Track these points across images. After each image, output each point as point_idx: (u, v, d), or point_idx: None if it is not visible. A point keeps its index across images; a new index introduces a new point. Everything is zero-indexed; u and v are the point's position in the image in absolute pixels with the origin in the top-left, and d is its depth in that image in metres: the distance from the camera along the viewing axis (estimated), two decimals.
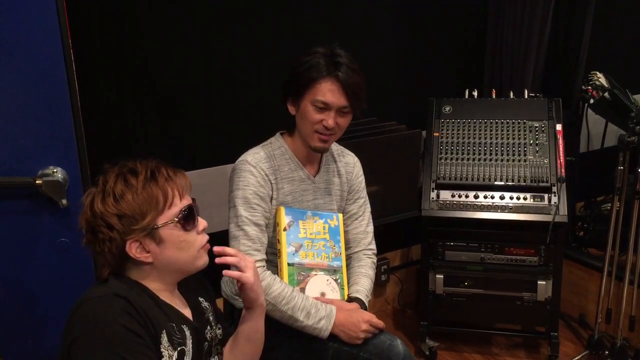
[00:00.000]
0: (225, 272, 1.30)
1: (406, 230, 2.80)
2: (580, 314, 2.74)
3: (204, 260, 1.25)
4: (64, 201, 1.52)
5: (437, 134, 2.44)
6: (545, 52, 2.66)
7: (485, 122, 2.44)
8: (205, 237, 1.25)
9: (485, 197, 2.32)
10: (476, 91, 2.54)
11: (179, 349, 1.18)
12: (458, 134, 2.43)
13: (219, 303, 1.63)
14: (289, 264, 1.67)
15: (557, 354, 2.42)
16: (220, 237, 1.59)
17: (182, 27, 2.08)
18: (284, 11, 2.28)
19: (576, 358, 2.45)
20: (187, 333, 1.22)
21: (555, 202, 2.26)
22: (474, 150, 2.39)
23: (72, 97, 1.51)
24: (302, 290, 1.67)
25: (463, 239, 2.38)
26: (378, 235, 1.93)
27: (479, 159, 2.37)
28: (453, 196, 2.34)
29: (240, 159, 1.71)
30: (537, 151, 2.35)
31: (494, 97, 2.53)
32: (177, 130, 2.16)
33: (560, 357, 2.44)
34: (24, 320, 1.60)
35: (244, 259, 1.31)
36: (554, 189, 2.27)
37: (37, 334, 1.62)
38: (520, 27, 2.61)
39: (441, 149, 2.41)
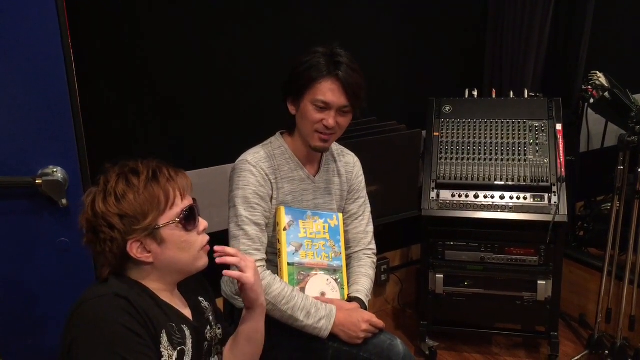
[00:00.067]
0: (225, 272, 1.30)
1: (406, 230, 2.80)
2: (580, 313, 2.74)
3: (204, 261, 1.25)
4: (64, 201, 1.52)
5: (437, 134, 2.44)
6: (545, 52, 2.66)
7: (486, 122, 2.44)
8: (206, 238, 1.25)
9: (485, 196, 2.32)
10: (476, 91, 2.54)
11: (178, 348, 1.18)
12: (458, 133, 2.43)
13: (219, 303, 1.63)
14: (289, 264, 1.67)
15: (557, 353, 2.42)
16: (220, 237, 1.59)
17: (182, 27, 2.08)
18: (284, 11, 2.28)
19: (576, 358, 2.45)
20: (187, 333, 1.22)
21: (555, 202, 2.26)
22: (474, 150, 2.39)
23: (72, 97, 1.51)
24: (302, 289, 1.67)
25: (463, 239, 2.38)
26: (378, 235, 1.93)
27: (479, 159, 2.37)
28: (453, 196, 2.34)
29: (240, 158, 1.71)
30: (537, 151, 2.35)
31: (494, 96, 2.53)
32: (177, 130, 2.16)
33: (560, 357, 2.44)
34: (24, 320, 1.60)
35: (245, 259, 1.31)
36: (554, 188, 2.27)
37: (37, 334, 1.62)
38: (520, 27, 2.61)
39: (441, 149, 2.41)
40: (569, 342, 2.63)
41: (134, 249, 1.15)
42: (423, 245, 2.49)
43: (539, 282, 2.33)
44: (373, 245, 1.88)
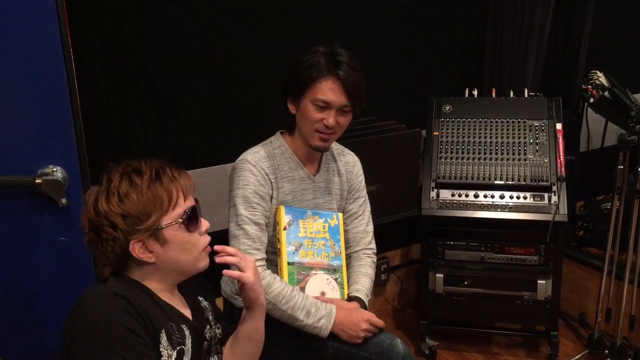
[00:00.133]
0: (225, 271, 1.30)
1: (406, 229, 2.80)
2: (580, 313, 2.74)
3: (205, 262, 1.25)
4: (64, 200, 1.52)
5: (437, 133, 2.44)
6: (545, 51, 2.66)
7: (485, 122, 2.44)
8: (208, 239, 1.25)
9: (485, 196, 2.32)
10: (476, 90, 2.54)
11: (178, 348, 1.18)
12: (458, 133, 2.43)
13: (219, 302, 1.63)
14: (289, 263, 1.67)
15: (557, 353, 2.42)
16: (220, 237, 1.59)
17: (182, 27, 2.08)
18: (284, 11, 2.28)
19: (576, 357, 2.45)
20: (187, 333, 1.22)
21: (555, 201, 2.26)
22: (474, 149, 2.39)
23: (71, 97, 1.51)
24: (302, 289, 1.67)
25: (463, 238, 2.38)
26: (378, 234, 1.93)
27: (479, 158, 2.37)
28: (453, 195, 2.34)
29: (240, 158, 1.71)
30: (537, 150, 2.35)
31: (494, 96, 2.53)
32: (176, 130, 2.16)
33: (560, 357, 2.44)
34: (23, 320, 1.61)
35: (244, 258, 1.31)
36: (554, 188, 2.27)
37: (37, 333, 1.62)
38: (520, 26, 2.61)
39: (441, 148, 2.41)
40: (569, 341, 2.63)
41: (136, 249, 1.15)
42: (423, 245, 2.49)
43: (538, 281, 2.33)
44: (373, 245, 1.88)
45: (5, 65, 1.43)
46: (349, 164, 1.87)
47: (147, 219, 1.14)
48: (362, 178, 1.89)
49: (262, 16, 2.23)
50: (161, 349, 1.14)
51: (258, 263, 1.61)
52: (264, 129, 1.80)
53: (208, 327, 1.32)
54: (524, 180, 2.30)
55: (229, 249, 1.31)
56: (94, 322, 1.08)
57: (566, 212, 2.25)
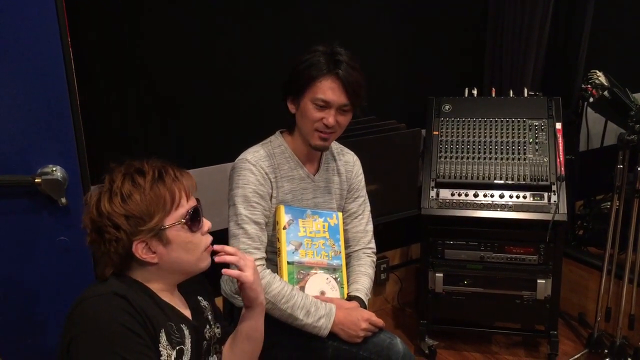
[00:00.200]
0: (224, 270, 1.30)
1: (406, 228, 2.80)
2: (579, 312, 2.74)
3: (207, 262, 1.25)
4: (64, 200, 1.52)
5: (437, 133, 2.44)
6: (545, 51, 2.66)
7: (485, 121, 2.44)
8: (209, 238, 1.25)
9: (484, 195, 2.33)
10: (476, 90, 2.54)
11: (177, 348, 1.18)
12: (458, 132, 2.43)
13: (219, 302, 1.63)
14: (288, 263, 1.67)
15: (557, 352, 2.42)
16: (220, 236, 1.59)
17: (182, 27, 2.08)
18: (284, 11, 2.28)
19: (575, 357, 2.45)
20: (186, 332, 1.22)
21: (554, 201, 2.26)
22: (473, 148, 2.39)
23: (71, 96, 1.51)
24: (302, 288, 1.67)
25: (463, 238, 2.38)
26: (377, 233, 1.93)
27: (479, 158, 2.37)
28: (453, 195, 2.34)
29: (239, 157, 1.71)
30: (536, 150, 2.35)
31: (493, 95, 2.53)
32: (176, 129, 2.16)
33: (560, 356, 2.44)
34: (23, 319, 1.60)
35: (244, 257, 1.31)
36: (554, 187, 2.27)
37: (36, 333, 1.62)
38: (520, 26, 2.61)
39: (441, 148, 2.41)
40: (569, 340, 2.63)
41: (139, 250, 1.15)
42: (423, 244, 2.49)
43: (538, 281, 2.33)
44: (373, 244, 1.88)
45: (5, 64, 1.43)
46: (348, 163, 1.87)
47: (150, 220, 1.14)
48: (361, 177, 1.89)
49: (262, 16, 2.23)
50: (160, 349, 1.14)
51: (258, 262, 1.61)
52: (263, 128, 1.80)
53: (208, 326, 1.32)
54: (524, 180, 2.30)
55: (228, 248, 1.31)
56: (93, 322, 1.08)
57: (566, 212, 2.25)
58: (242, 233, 1.63)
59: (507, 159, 2.35)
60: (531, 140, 2.37)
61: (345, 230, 1.83)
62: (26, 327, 1.61)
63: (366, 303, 1.73)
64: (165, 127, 2.14)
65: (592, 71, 2.53)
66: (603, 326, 2.42)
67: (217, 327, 1.37)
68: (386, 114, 2.55)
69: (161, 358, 1.14)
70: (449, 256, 2.39)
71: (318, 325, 1.60)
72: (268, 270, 1.63)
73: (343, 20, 2.44)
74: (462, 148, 2.40)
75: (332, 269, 1.73)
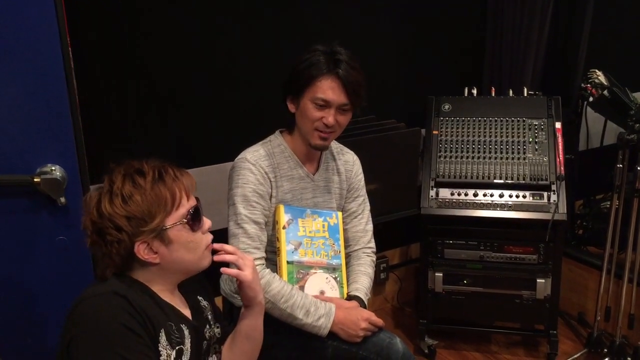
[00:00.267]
0: (223, 269, 1.30)
1: (405, 228, 2.80)
2: (579, 312, 2.74)
3: (208, 260, 1.25)
4: (63, 199, 1.51)
5: (437, 132, 2.44)
6: (544, 50, 2.66)
7: (485, 120, 2.44)
8: (210, 237, 1.25)
9: (484, 195, 2.32)
10: (475, 89, 2.54)
11: (177, 348, 1.18)
12: (457, 132, 2.43)
13: (218, 301, 1.62)
14: (288, 262, 1.67)
15: (556, 352, 2.42)
16: (219, 236, 1.58)
17: (182, 27, 2.08)
18: (284, 11, 2.28)
19: (575, 356, 2.45)
20: (186, 332, 1.22)
21: (554, 200, 2.26)
22: (473, 148, 2.39)
23: (70, 95, 1.50)
24: (302, 288, 1.67)
25: (462, 237, 2.38)
26: (377, 233, 1.93)
27: (479, 157, 2.37)
28: (452, 194, 2.34)
29: (239, 156, 1.71)
30: (536, 149, 2.35)
31: (493, 95, 2.53)
32: (176, 129, 2.16)
33: (559, 355, 2.44)
34: (22, 319, 1.60)
35: (243, 256, 1.31)
36: (553, 187, 2.27)
37: (36, 333, 1.62)
38: (520, 25, 2.61)
39: (440, 147, 2.41)
40: (568, 340, 2.64)
41: (141, 251, 1.15)
42: (422, 244, 2.49)
43: (538, 280, 2.33)
44: (372, 244, 1.87)
45: (5, 64, 1.43)
46: (348, 162, 1.87)
47: (152, 220, 1.14)
48: (361, 177, 1.89)
49: (262, 16, 2.23)
50: (160, 349, 1.14)
51: (257, 262, 1.61)
52: (263, 128, 1.80)
53: (207, 326, 1.32)
54: (524, 179, 2.30)
55: (227, 247, 1.31)
56: (93, 321, 1.08)
57: (565, 211, 2.25)
58: (241, 232, 1.63)
59: (507, 158, 2.35)
60: (531, 139, 2.37)
61: (344, 230, 1.83)
62: (25, 326, 1.61)
63: (366, 302, 1.73)
64: (165, 126, 2.14)
65: (591, 70, 2.54)
66: (602, 326, 2.42)
67: (217, 327, 1.37)
68: (386, 114, 2.55)
69: (161, 358, 1.13)
70: (448, 256, 2.39)
71: (318, 325, 1.59)
72: (268, 270, 1.63)
73: (343, 20, 2.44)
74: (462, 147, 2.40)
75: (331, 269, 1.73)
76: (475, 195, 2.33)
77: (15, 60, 1.43)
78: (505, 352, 2.58)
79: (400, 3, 2.58)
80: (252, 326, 1.36)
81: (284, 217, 1.68)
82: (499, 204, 2.30)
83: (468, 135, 2.42)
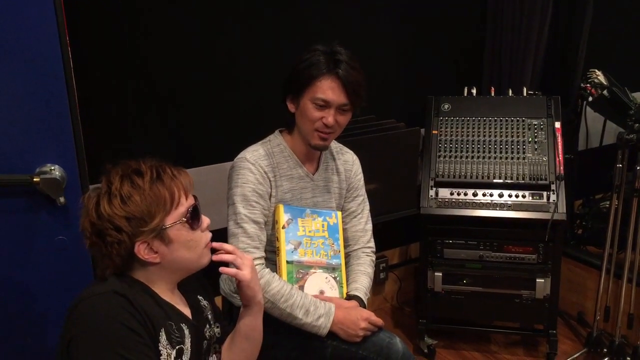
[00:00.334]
0: (222, 269, 1.30)
1: (405, 228, 2.80)
2: (578, 311, 2.74)
3: (208, 258, 1.25)
4: (62, 199, 1.51)
5: (436, 132, 2.44)
6: (544, 50, 2.66)
7: (484, 120, 2.44)
8: (209, 235, 1.26)
9: (484, 194, 2.33)
10: (475, 89, 2.54)
11: (177, 347, 1.18)
12: (457, 131, 2.43)
13: (218, 301, 1.62)
14: (287, 262, 1.67)
15: (556, 351, 2.42)
16: (219, 236, 1.58)
17: (182, 27, 2.08)
18: (284, 11, 2.28)
19: (575, 356, 2.45)
20: (186, 332, 1.22)
21: (554, 200, 2.26)
22: (472, 148, 2.39)
23: (70, 95, 1.50)
24: (301, 287, 1.67)
25: (462, 237, 2.38)
26: (377, 233, 1.93)
27: (478, 157, 2.37)
28: (452, 194, 2.34)
29: (239, 156, 1.71)
30: (535, 149, 2.35)
31: (492, 94, 2.54)
32: (176, 129, 2.16)
33: (559, 355, 2.45)
34: (22, 319, 1.60)
35: (242, 256, 1.31)
36: (553, 186, 2.28)
37: (36, 333, 1.62)
38: (519, 25, 2.61)
39: (440, 147, 2.41)
40: (568, 340, 2.64)
41: (142, 251, 1.15)
42: (422, 244, 2.49)
43: (537, 280, 2.34)
44: (372, 244, 1.88)
45: (4, 64, 1.43)
46: (347, 162, 1.87)
47: (152, 220, 1.14)
48: (361, 176, 1.89)
49: (262, 16, 2.23)
50: (160, 348, 1.14)
51: (257, 262, 1.61)
52: (263, 127, 1.80)
53: (207, 326, 1.32)
54: (523, 179, 2.30)
55: (226, 246, 1.31)
56: (93, 321, 1.08)
57: (565, 211, 2.25)
58: (241, 232, 1.63)
59: (507, 158, 2.36)
60: (530, 139, 2.37)
61: (344, 230, 1.83)
62: (25, 326, 1.61)
63: (365, 302, 1.73)
64: (164, 126, 2.14)
65: (591, 70, 2.54)
66: (602, 325, 2.43)
67: (217, 327, 1.37)
68: (385, 113, 2.55)
69: (161, 357, 1.13)
70: (448, 255, 2.39)
71: (317, 325, 1.59)
72: (267, 270, 1.63)
73: (343, 20, 2.43)
74: (462, 147, 2.40)
75: (331, 268, 1.73)
76: (475, 195, 2.33)
77: (15, 60, 1.43)
78: (504, 351, 2.58)
79: (400, 3, 2.58)
80: (251, 326, 1.36)
81: (283, 217, 1.69)
82: (498, 203, 2.30)
83: (467, 135, 2.42)
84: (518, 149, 2.36)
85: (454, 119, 2.46)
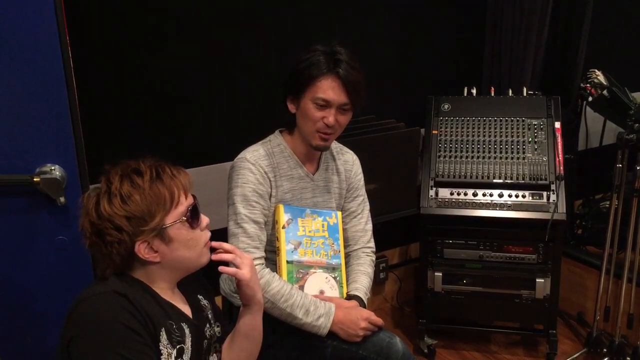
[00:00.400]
0: (221, 268, 1.30)
1: (405, 228, 2.80)
2: (578, 311, 2.74)
3: (207, 257, 1.25)
4: (62, 199, 1.51)
5: (436, 132, 2.44)
6: (544, 50, 2.66)
7: (484, 120, 2.44)
8: (208, 234, 1.26)
9: (484, 194, 2.33)
10: (475, 89, 2.54)
11: (177, 347, 1.18)
12: (457, 131, 2.43)
13: (218, 301, 1.62)
14: (288, 262, 1.67)
15: (556, 351, 2.42)
16: (219, 236, 1.58)
17: (182, 27, 2.08)
18: (284, 11, 2.28)
19: (574, 356, 2.45)
20: (187, 331, 1.22)
21: (553, 200, 2.26)
22: (472, 148, 2.39)
23: (70, 95, 1.50)
24: (301, 287, 1.67)
25: (462, 237, 2.38)
26: (377, 233, 1.93)
27: (478, 157, 2.37)
28: (452, 194, 2.34)
29: (239, 156, 1.71)
30: (535, 149, 2.35)
31: (492, 94, 2.54)
32: (175, 128, 2.16)
33: (559, 355, 2.45)
34: (21, 319, 1.60)
35: (241, 255, 1.31)
36: (553, 186, 2.28)
37: (35, 333, 1.62)
38: (519, 25, 2.61)
39: (440, 147, 2.41)
40: (568, 340, 2.64)
41: (142, 250, 1.15)
42: (422, 244, 2.49)
43: (537, 280, 2.34)
44: (372, 244, 1.88)
45: (4, 64, 1.43)
46: (348, 162, 1.87)
47: (152, 219, 1.14)
48: (361, 176, 1.89)
49: (262, 16, 2.23)
50: (161, 348, 1.14)
51: (257, 262, 1.61)
52: (263, 127, 1.80)
53: (208, 325, 1.32)
54: (523, 179, 2.30)
55: (226, 245, 1.31)
56: (93, 321, 1.08)
57: (565, 211, 2.25)
58: (241, 232, 1.63)
59: (506, 158, 2.36)
60: (530, 139, 2.37)
61: (344, 230, 1.83)
62: (25, 326, 1.61)
63: (365, 302, 1.73)
64: (164, 126, 2.14)
65: (591, 70, 2.54)
66: (602, 325, 2.42)
67: (217, 326, 1.37)
68: (385, 113, 2.55)
69: (162, 357, 1.13)
70: (448, 255, 2.39)
71: (317, 325, 1.59)
72: (267, 269, 1.63)
73: (343, 20, 2.44)
74: (461, 147, 2.40)
75: (331, 268, 1.73)
76: (475, 195, 2.33)
77: (15, 60, 1.43)
78: (504, 351, 2.58)
79: (400, 3, 2.58)
80: (251, 325, 1.36)
81: (283, 217, 1.69)
82: (498, 203, 2.30)
83: (467, 135, 2.42)
84: (518, 149, 2.36)
85: (454, 119, 2.46)
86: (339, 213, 1.81)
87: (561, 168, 2.28)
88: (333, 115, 1.62)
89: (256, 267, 1.53)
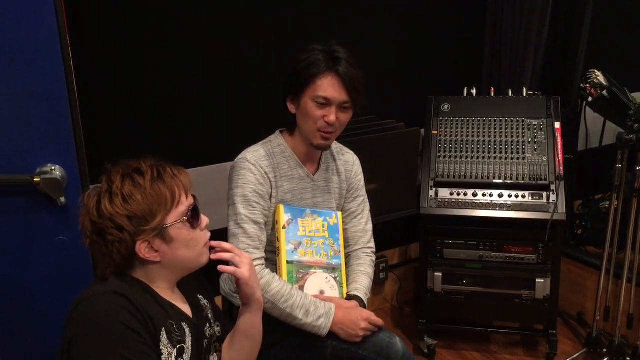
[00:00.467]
0: (220, 267, 1.30)
1: (405, 228, 2.80)
2: (578, 312, 2.74)
3: (207, 256, 1.26)
4: (63, 199, 1.51)
5: (436, 132, 2.44)
6: (543, 50, 2.66)
7: (484, 120, 2.44)
8: (208, 234, 1.26)
9: (483, 195, 2.33)
10: (475, 89, 2.54)
11: (178, 346, 1.18)
12: (457, 132, 2.43)
13: (218, 301, 1.62)
14: (288, 262, 1.67)
15: (556, 351, 2.42)
16: (219, 236, 1.58)
17: (182, 27, 2.08)
18: (284, 11, 2.28)
19: (574, 356, 2.45)
20: (187, 331, 1.22)
21: (553, 200, 2.26)
22: (472, 148, 2.39)
23: (70, 95, 1.50)
24: (301, 288, 1.67)
25: (462, 237, 2.38)
26: (377, 233, 1.93)
27: (478, 157, 2.37)
28: (452, 194, 2.34)
29: (239, 156, 1.71)
30: (535, 149, 2.35)
31: (492, 95, 2.54)
32: (176, 128, 2.16)
33: (559, 355, 2.45)
34: (22, 319, 1.60)
35: (240, 254, 1.32)
36: (553, 187, 2.28)
37: (35, 333, 1.62)
38: (519, 25, 2.61)
39: (440, 147, 2.41)
40: (568, 340, 2.64)
41: (143, 250, 1.15)
42: (422, 244, 2.49)
43: (537, 280, 2.34)
44: (372, 244, 1.88)
45: (4, 64, 1.43)
46: (348, 162, 1.87)
47: (153, 219, 1.14)
48: (361, 177, 1.89)
49: (262, 16, 2.23)
50: (161, 347, 1.14)
51: (257, 262, 1.61)
52: (263, 127, 1.80)
53: (208, 325, 1.32)
54: (523, 179, 2.31)
55: (225, 244, 1.31)
56: (94, 321, 1.08)
57: (565, 211, 2.25)
58: (241, 232, 1.63)
59: (506, 158, 2.36)
60: (530, 139, 2.37)
61: (344, 230, 1.83)
62: (25, 326, 1.61)
63: (365, 302, 1.73)
64: (164, 126, 2.14)
65: (590, 70, 2.54)
66: (602, 325, 2.43)
67: (217, 326, 1.37)
68: (385, 114, 2.55)
69: (162, 357, 1.14)
70: (448, 255, 2.39)
71: (317, 325, 1.60)
72: (267, 270, 1.63)
73: (343, 20, 2.44)
74: (461, 147, 2.40)
75: (331, 269, 1.73)
76: (475, 195, 2.33)
77: (15, 60, 1.43)
78: (504, 352, 2.58)
79: (400, 3, 2.58)
80: (250, 324, 1.36)
81: (283, 217, 1.69)
82: (498, 204, 2.31)
83: (467, 135, 2.42)
84: (518, 149, 2.36)
85: (453, 119, 2.46)
86: (339, 213, 1.81)
87: (561, 168, 2.28)
88: (334, 114, 1.62)
89: (256, 267, 1.53)
